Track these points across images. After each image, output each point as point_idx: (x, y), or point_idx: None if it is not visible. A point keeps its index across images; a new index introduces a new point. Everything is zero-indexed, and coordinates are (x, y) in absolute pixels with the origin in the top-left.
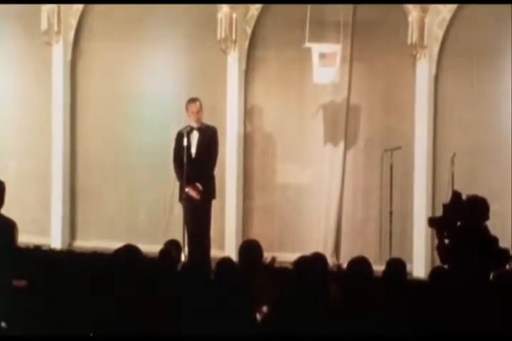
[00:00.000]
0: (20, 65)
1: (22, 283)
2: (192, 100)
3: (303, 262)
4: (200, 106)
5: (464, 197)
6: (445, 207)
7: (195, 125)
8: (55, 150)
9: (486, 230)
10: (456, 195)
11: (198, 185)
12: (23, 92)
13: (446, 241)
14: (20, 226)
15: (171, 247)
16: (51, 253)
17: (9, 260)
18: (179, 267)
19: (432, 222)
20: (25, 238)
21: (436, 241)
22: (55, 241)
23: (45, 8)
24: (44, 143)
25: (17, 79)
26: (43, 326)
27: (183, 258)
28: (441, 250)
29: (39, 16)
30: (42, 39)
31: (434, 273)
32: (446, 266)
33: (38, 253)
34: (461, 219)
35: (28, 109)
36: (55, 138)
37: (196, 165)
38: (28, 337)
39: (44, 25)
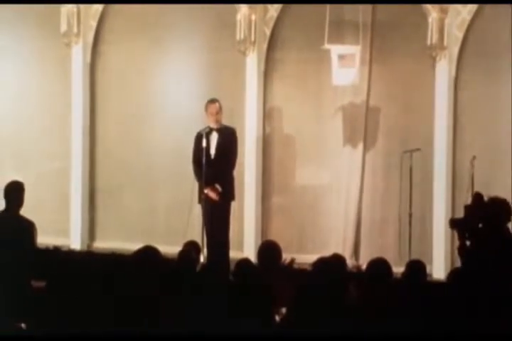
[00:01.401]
0: (39, 66)
1: (41, 283)
2: (211, 101)
3: (322, 263)
4: (220, 107)
5: (485, 198)
6: (467, 208)
7: (214, 126)
8: (74, 151)
9: (507, 232)
10: (477, 196)
11: (217, 186)
12: (43, 94)
13: (468, 242)
14: (39, 227)
15: (190, 248)
16: (70, 254)
17: (28, 260)
18: (198, 268)
19: (454, 223)
20: (44, 239)
21: (457, 243)
22: (75, 242)
23: (65, 9)
24: (63, 144)
25: (37, 80)
26: (62, 327)
27: (202, 259)
28: (463, 252)
29: (59, 18)
30: (61, 40)
31: (453, 274)
32: (466, 267)
33: (58, 254)
34: (482, 221)
35: (48, 110)
36: (75, 139)
37: (215, 166)
38: (46, 337)
39: (64, 27)
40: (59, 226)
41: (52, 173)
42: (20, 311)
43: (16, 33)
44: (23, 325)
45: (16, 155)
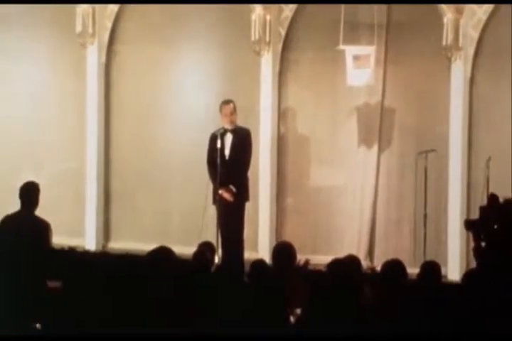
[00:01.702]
0: (55, 66)
1: (56, 284)
2: (226, 102)
3: (337, 264)
4: (234, 108)
5: (501, 199)
6: (482, 209)
7: (228, 127)
8: (89, 152)
9: None
10: (493, 197)
11: (232, 187)
12: (58, 94)
13: (483, 243)
14: (54, 227)
15: (205, 249)
16: (85, 254)
17: (44, 261)
18: (213, 269)
19: (469, 224)
20: (59, 239)
21: (472, 244)
22: (90, 242)
23: (80, 9)
24: (78, 145)
25: (52, 80)
26: (77, 327)
27: (216, 260)
28: (478, 253)
29: (74, 18)
30: (77, 41)
31: (468, 275)
32: (481, 269)
33: (73, 255)
34: (498, 222)
35: (63, 110)
36: (90, 140)
37: (230, 167)
38: (61, 337)
39: (79, 27)
40: (74, 226)
41: (68, 174)
42: (35, 311)
43: (31, 34)
44: (38, 326)
45: (32, 155)
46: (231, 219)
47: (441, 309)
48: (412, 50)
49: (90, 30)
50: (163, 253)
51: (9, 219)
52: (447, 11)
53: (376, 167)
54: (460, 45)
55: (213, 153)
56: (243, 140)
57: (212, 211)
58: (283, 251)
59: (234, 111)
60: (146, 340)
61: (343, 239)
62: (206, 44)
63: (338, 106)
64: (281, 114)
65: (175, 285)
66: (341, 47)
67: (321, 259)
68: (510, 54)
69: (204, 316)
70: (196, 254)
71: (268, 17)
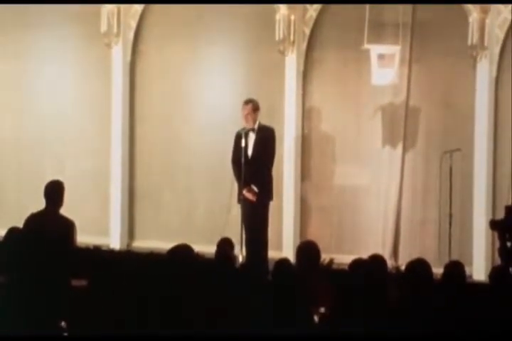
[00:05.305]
0: (80, 66)
1: (81, 282)
2: (245, 102)
3: (361, 264)
4: (253, 108)
5: None
6: (507, 209)
7: (247, 126)
8: (114, 150)
9: None
10: None
11: (253, 187)
12: (83, 93)
13: (508, 243)
14: (79, 226)
15: (224, 245)
16: (110, 253)
17: (68, 260)
18: (236, 265)
19: (494, 224)
20: (84, 238)
21: (497, 244)
22: (114, 241)
23: (105, 9)
24: (103, 144)
25: (77, 80)
26: (102, 326)
27: (240, 259)
28: (503, 252)
29: (99, 18)
30: (102, 40)
31: (495, 273)
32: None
33: (97, 254)
34: None
35: (88, 109)
36: (114, 139)
37: (253, 166)
38: (86, 337)
39: (104, 27)
40: (99, 225)
41: (92, 173)
42: (60, 310)
43: (57, 34)
44: (63, 324)
45: (56, 154)
46: (255, 218)
47: (465, 309)
48: (437, 49)
49: (115, 29)
50: (182, 251)
51: (34, 217)
52: (473, 11)
53: (401, 166)
54: (485, 44)
55: (238, 152)
56: (266, 139)
57: (236, 210)
58: (307, 250)
59: (251, 112)
60: (167, 339)
61: (367, 239)
62: (231, 44)
63: (363, 105)
64: (306, 114)
65: (197, 284)
66: (366, 46)
67: (345, 258)
68: None
69: (226, 315)
70: (218, 252)
71: (292, 17)
